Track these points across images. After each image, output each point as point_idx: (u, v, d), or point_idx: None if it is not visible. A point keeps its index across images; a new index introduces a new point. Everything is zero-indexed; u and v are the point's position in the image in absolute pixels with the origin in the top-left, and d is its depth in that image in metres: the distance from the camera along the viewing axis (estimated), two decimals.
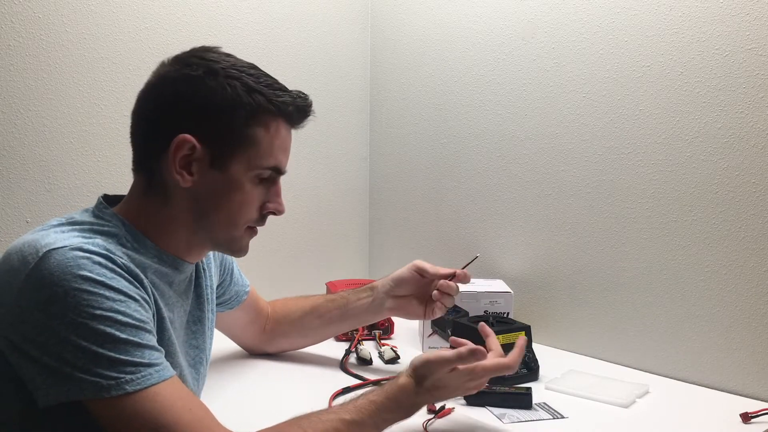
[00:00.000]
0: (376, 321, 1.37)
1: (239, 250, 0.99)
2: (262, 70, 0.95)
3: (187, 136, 0.89)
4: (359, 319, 1.33)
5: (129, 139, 0.95)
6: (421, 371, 0.96)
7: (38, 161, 1.34)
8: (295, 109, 0.95)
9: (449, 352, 0.96)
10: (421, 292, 1.27)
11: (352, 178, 1.92)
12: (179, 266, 0.96)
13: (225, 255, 1.18)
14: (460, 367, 0.96)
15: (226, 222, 0.94)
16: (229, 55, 0.95)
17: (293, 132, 0.98)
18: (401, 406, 0.94)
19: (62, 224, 0.88)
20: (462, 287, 1.23)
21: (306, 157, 1.77)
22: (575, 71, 1.44)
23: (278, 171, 0.96)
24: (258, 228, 0.99)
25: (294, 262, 1.79)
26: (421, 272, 1.25)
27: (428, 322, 1.41)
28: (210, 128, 0.90)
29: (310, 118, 0.99)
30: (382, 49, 1.87)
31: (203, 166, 0.91)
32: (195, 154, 0.90)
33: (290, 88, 0.96)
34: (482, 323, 1.12)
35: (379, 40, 1.88)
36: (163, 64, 0.94)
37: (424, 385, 0.95)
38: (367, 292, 1.29)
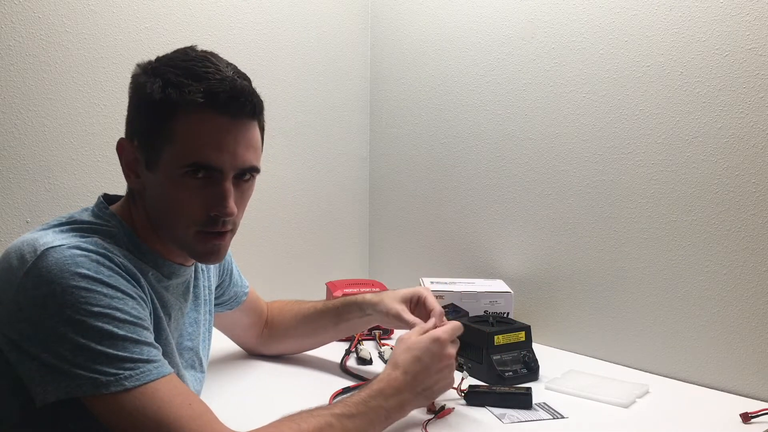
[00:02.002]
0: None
1: (197, 255, 0.93)
2: (204, 62, 0.87)
3: (123, 140, 0.91)
4: (353, 330, 1.32)
5: None
6: (393, 352, 1.03)
7: (38, 161, 1.34)
8: (211, 96, 0.85)
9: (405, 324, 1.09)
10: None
11: (352, 178, 1.92)
12: (175, 270, 0.96)
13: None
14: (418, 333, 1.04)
15: (170, 224, 0.91)
16: (185, 52, 0.90)
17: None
18: (386, 393, 0.96)
19: (62, 224, 0.88)
20: (462, 287, 1.23)
21: (306, 157, 1.77)
22: (575, 71, 1.44)
23: (207, 168, 0.87)
24: (222, 231, 0.91)
25: (294, 262, 1.79)
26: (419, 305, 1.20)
27: None
28: (137, 130, 0.91)
29: (252, 102, 0.88)
30: (382, 49, 1.87)
31: (142, 168, 0.90)
32: (135, 156, 0.90)
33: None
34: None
35: (379, 40, 1.88)
36: None
37: (402, 361, 1.00)
38: (360, 312, 1.24)
